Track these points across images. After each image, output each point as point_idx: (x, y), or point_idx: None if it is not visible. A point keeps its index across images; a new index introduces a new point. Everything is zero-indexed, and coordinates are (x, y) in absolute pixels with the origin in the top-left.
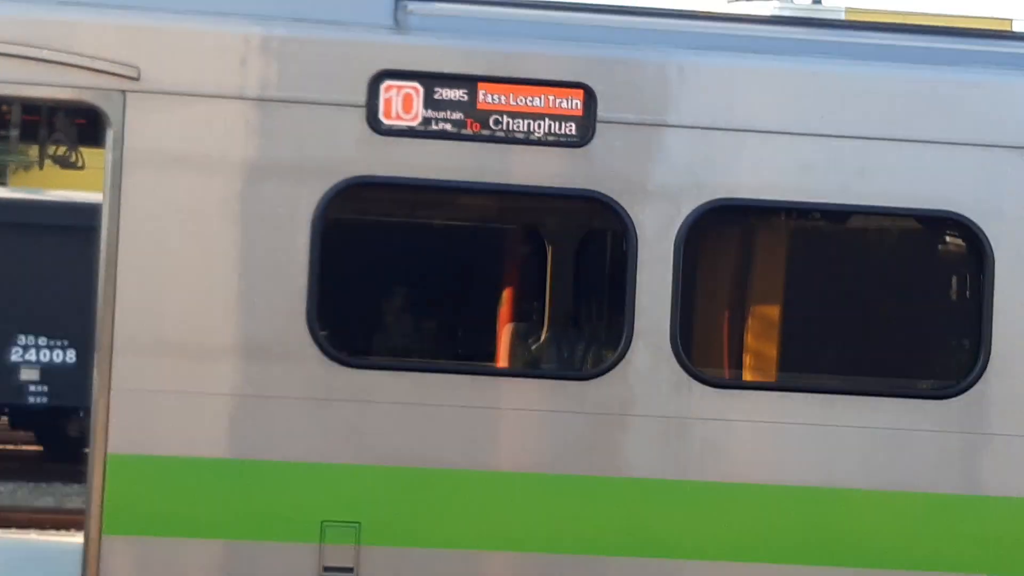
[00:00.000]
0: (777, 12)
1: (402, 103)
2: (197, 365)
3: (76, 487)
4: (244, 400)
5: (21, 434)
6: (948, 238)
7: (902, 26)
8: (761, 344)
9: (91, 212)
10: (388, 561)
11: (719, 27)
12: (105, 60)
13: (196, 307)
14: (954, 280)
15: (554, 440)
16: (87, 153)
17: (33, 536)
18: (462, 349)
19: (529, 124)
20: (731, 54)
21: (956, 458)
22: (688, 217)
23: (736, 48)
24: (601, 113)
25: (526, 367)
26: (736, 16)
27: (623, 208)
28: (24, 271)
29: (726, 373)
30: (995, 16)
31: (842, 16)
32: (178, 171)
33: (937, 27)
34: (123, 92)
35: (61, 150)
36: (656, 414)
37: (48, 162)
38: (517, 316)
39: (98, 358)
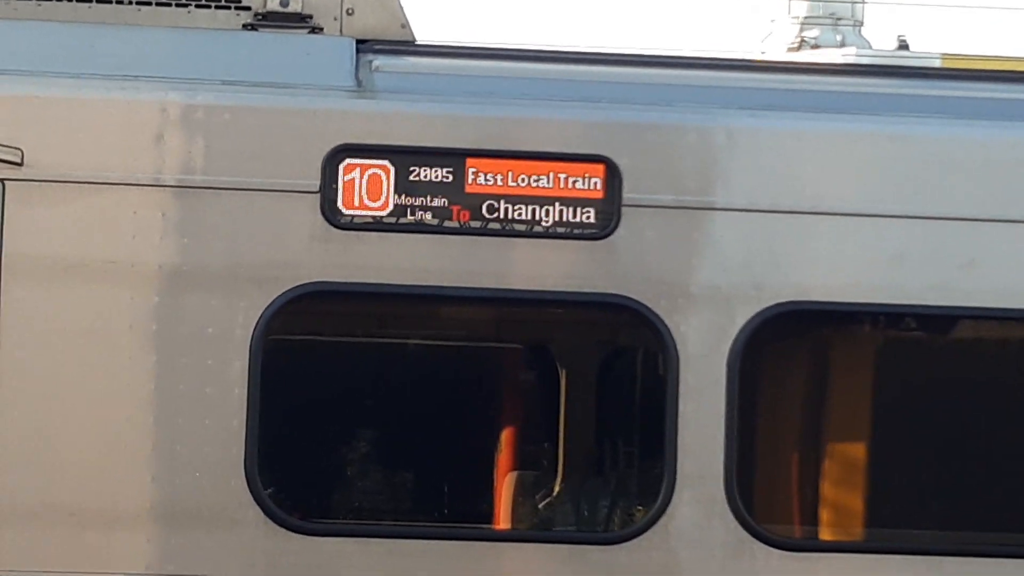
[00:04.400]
0: (854, 60)
1: (367, 187)
2: (99, 537)
3: None
4: None
5: None
6: None
7: (1018, 75)
8: (844, 493)
9: None
10: None
11: (780, 80)
12: None
13: (97, 460)
14: None
15: None
16: None
17: None
18: (450, 508)
19: (534, 211)
20: (797, 115)
21: None
22: (745, 328)
23: (803, 107)
24: (628, 195)
25: (535, 529)
26: (802, 66)
27: (659, 318)
28: None
29: (798, 531)
30: None
31: (938, 63)
32: (73, 281)
33: None
34: (1, 181)
35: None
36: None
37: None
38: (522, 463)
39: None
